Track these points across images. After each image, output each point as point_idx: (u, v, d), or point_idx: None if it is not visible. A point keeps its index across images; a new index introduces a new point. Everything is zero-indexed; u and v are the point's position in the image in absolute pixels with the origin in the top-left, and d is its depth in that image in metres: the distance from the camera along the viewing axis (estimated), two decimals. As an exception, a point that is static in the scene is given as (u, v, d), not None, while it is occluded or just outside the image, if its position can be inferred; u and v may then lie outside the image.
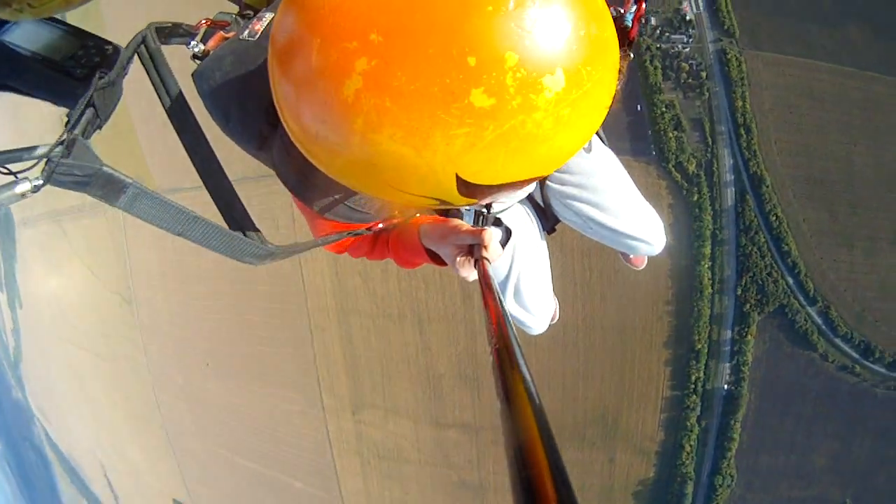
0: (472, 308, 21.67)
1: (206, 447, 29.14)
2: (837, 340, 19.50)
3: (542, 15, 0.58)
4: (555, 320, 3.45)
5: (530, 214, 1.87)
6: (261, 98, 0.94)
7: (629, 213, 1.82)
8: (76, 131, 0.83)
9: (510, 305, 1.86)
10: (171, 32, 1.17)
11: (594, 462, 21.72)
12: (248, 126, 1.01)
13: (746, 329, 20.20)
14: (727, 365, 20.55)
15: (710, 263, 20.27)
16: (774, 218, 19.51)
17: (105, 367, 32.82)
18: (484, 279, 0.84)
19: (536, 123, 0.61)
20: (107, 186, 0.76)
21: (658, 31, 20.47)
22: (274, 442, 26.97)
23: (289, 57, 0.65)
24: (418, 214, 1.31)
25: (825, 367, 19.58)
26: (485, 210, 1.37)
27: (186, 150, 0.98)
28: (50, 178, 0.74)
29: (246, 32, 1.04)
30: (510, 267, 1.82)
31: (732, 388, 20.53)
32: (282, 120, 0.72)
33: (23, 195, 0.77)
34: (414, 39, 0.56)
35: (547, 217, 1.88)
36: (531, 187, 1.72)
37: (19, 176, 0.78)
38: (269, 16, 1.05)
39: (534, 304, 1.90)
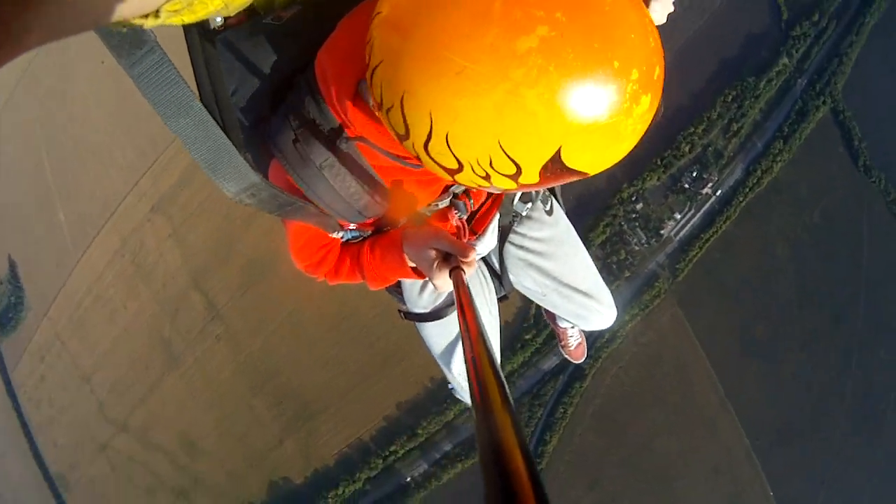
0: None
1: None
2: None
3: (659, 54, 0.76)
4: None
5: (485, 278, 1.84)
6: (271, 80, 1.04)
7: (587, 279, 1.83)
8: None
9: (452, 374, 1.85)
10: None
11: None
12: (253, 100, 1.06)
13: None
14: None
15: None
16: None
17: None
18: (460, 289, 0.86)
19: (626, 127, 0.75)
20: (128, 36, 0.66)
21: (636, 216, 21.37)
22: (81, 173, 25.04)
23: None
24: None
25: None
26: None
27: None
28: None
29: (270, 17, 1.07)
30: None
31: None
32: (406, 47, 0.75)
33: None
34: (589, 31, 0.68)
35: (502, 284, 1.86)
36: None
37: None
38: (295, 8, 1.10)
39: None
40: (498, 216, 1.61)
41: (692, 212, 22.72)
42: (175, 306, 22.09)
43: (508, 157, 0.75)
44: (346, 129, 1.01)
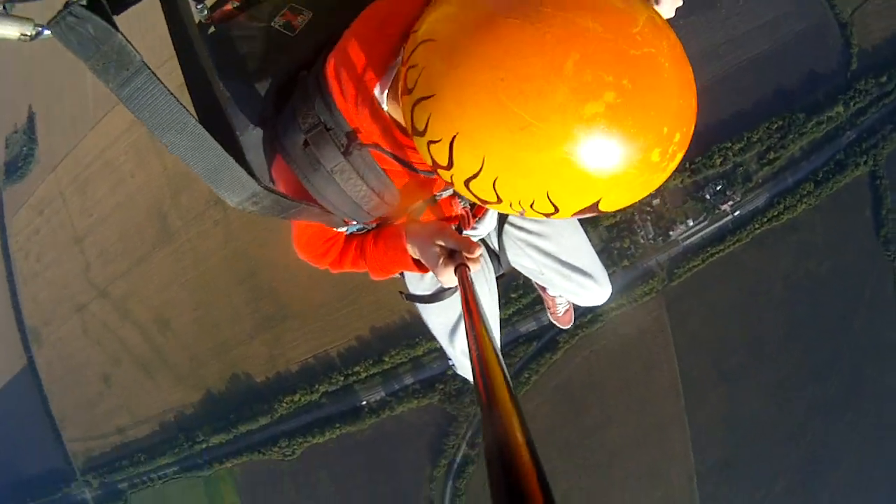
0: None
1: None
2: None
3: (695, 113, 0.81)
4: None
5: (485, 257, 1.85)
6: (277, 79, 1.07)
7: (584, 257, 1.86)
8: None
9: (455, 352, 1.85)
10: None
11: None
12: (256, 100, 1.08)
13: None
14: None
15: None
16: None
17: None
18: (465, 285, 0.86)
19: (659, 179, 0.80)
20: (113, 58, 0.65)
21: (650, 210, 21.22)
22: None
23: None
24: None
25: None
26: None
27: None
28: (59, 23, 0.64)
29: (281, 22, 1.09)
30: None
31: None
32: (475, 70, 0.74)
33: (21, 36, 0.71)
34: (649, 100, 0.72)
35: (500, 262, 1.88)
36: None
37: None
38: (307, 13, 1.11)
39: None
40: None
41: (705, 223, 22.52)
42: (181, 185, 22.23)
43: (551, 202, 0.78)
44: (358, 135, 1.00)
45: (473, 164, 0.77)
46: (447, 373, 20.26)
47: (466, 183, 0.81)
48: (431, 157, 0.84)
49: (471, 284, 0.87)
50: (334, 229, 1.21)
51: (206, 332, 22.23)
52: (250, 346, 21.66)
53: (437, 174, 0.87)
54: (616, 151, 0.72)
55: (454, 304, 1.74)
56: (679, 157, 0.79)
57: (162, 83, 0.67)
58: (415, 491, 21.29)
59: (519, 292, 19.42)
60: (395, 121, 0.99)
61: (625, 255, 20.95)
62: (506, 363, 0.50)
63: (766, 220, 22.48)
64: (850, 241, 23.47)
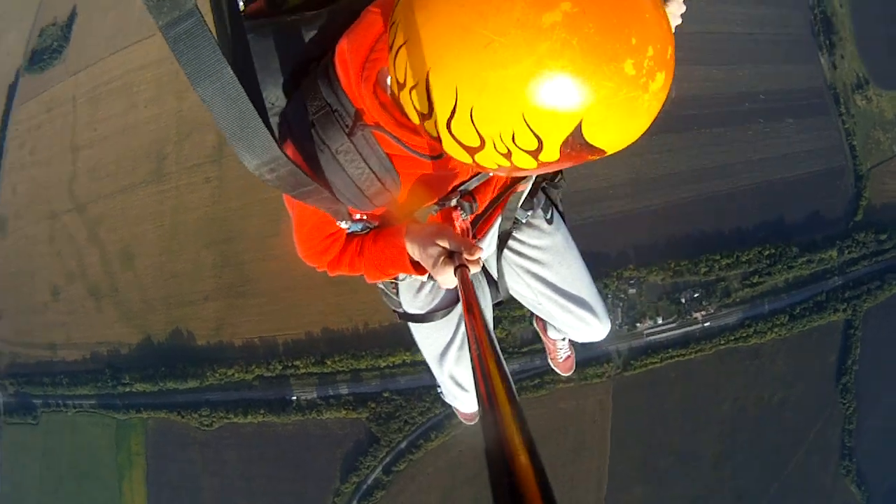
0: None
1: None
2: None
3: (671, 37, 0.79)
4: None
5: (483, 284, 1.84)
6: (291, 70, 1.09)
7: (583, 289, 1.81)
8: None
9: (444, 376, 1.81)
10: None
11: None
12: (270, 89, 1.10)
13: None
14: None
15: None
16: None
17: None
18: (465, 287, 0.86)
19: (643, 103, 0.77)
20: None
21: (624, 297, 21.46)
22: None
23: None
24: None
25: None
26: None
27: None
28: None
29: (300, 17, 1.12)
30: (455, 331, 1.74)
31: None
32: (436, 22, 0.77)
33: None
34: (609, 9, 0.72)
35: (499, 289, 1.86)
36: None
37: None
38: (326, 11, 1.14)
39: (470, 379, 1.80)
40: (499, 221, 1.63)
41: (674, 325, 22.82)
42: (188, 131, 22.22)
43: (531, 130, 0.77)
44: (363, 117, 1.01)
45: (449, 99, 0.78)
46: (383, 394, 20.23)
47: (449, 126, 0.82)
48: (416, 110, 0.85)
49: (471, 285, 0.86)
50: (337, 223, 1.19)
51: (164, 280, 22.02)
52: (202, 307, 21.46)
53: (425, 130, 0.87)
54: (581, 62, 0.71)
55: (446, 325, 1.72)
56: (660, 77, 0.77)
57: (210, 31, 0.69)
58: (318, 499, 20.99)
59: (505, 334, 19.53)
60: (396, 102, 0.97)
61: (587, 333, 21.15)
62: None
63: (732, 338, 22.71)
64: (808, 380, 23.75)
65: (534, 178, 1.65)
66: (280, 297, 20.52)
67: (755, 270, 23.09)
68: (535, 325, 2.55)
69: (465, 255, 1.04)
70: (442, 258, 1.07)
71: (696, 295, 22.97)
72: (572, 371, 2.81)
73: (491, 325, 0.73)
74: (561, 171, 1.71)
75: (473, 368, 0.52)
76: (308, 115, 1.02)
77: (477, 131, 0.80)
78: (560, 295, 1.78)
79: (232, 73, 0.72)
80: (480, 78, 0.75)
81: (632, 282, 21.84)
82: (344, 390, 20.34)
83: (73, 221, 23.73)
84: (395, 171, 1.09)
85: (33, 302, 25.10)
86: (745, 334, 22.95)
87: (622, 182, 22.11)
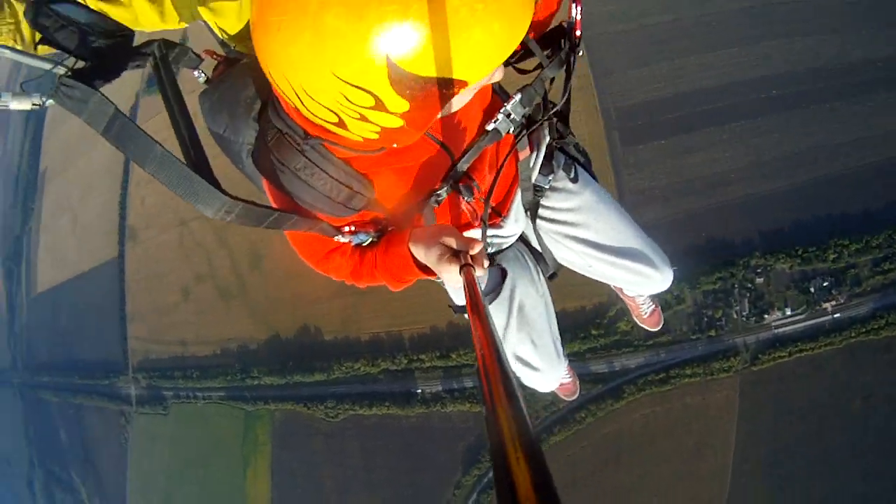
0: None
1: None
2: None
3: None
4: (572, 395, 3.01)
5: (528, 259, 1.79)
6: (257, 111, 1.13)
7: (629, 240, 1.70)
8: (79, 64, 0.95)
9: (510, 359, 1.76)
10: (178, 55, 1.25)
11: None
12: (237, 131, 1.14)
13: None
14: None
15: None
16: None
17: None
18: (470, 286, 0.85)
19: (454, 9, 0.72)
20: (96, 111, 0.83)
21: (751, 287, 20.41)
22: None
23: None
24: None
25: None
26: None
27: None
28: (56, 93, 0.84)
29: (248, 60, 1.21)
30: (508, 312, 1.69)
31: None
32: (251, 21, 0.85)
33: (33, 105, 0.99)
34: None
35: (546, 262, 1.79)
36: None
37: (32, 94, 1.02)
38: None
39: (537, 357, 1.76)
40: (520, 194, 1.57)
41: (803, 316, 21.43)
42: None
43: (355, 86, 0.78)
44: (308, 132, 1.04)
45: (290, 90, 0.84)
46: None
47: (311, 114, 0.87)
48: (296, 111, 0.92)
49: (476, 285, 0.87)
50: (333, 238, 1.24)
51: (292, 280, 23.21)
52: (329, 304, 22.46)
53: (303, 118, 0.94)
54: (346, 5, 0.74)
55: (498, 309, 1.69)
56: None
57: (134, 123, 0.84)
58: (438, 490, 21.40)
59: (600, 331, 19.20)
60: None
61: (714, 325, 20.29)
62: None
63: (864, 330, 21.13)
64: (950, 379, 21.69)
65: (544, 140, 1.56)
66: (405, 292, 20.92)
67: (887, 256, 21.32)
68: (612, 287, 2.38)
69: (469, 253, 1.04)
70: (445, 258, 1.07)
71: (825, 284, 21.47)
72: (660, 325, 2.71)
73: (494, 325, 0.63)
74: (561, 122, 1.58)
75: (477, 369, 0.52)
76: (266, 144, 1.06)
77: (323, 107, 0.83)
78: (606, 252, 1.67)
79: (162, 149, 0.84)
80: (288, 57, 0.79)
81: (758, 270, 20.75)
82: (468, 384, 20.66)
83: (202, 228, 25.61)
84: (357, 173, 1.10)
85: (165, 302, 27.37)
86: (876, 326, 21.26)
87: (743, 165, 21.07)
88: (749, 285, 20.63)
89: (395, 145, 0.93)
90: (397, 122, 0.83)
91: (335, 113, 0.84)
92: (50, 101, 0.98)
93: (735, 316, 20.51)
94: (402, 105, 0.80)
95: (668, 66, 20.78)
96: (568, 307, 18.56)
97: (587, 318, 19.34)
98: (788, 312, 21.19)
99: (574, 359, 20.06)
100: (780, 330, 21.00)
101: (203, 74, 1.26)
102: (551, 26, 1.25)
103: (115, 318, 31.35)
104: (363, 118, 0.83)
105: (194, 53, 1.26)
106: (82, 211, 30.62)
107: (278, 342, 23.83)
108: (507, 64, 1.24)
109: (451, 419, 21.00)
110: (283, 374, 23.54)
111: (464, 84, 0.79)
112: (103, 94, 0.84)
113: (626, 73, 20.92)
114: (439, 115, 0.90)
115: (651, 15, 21.04)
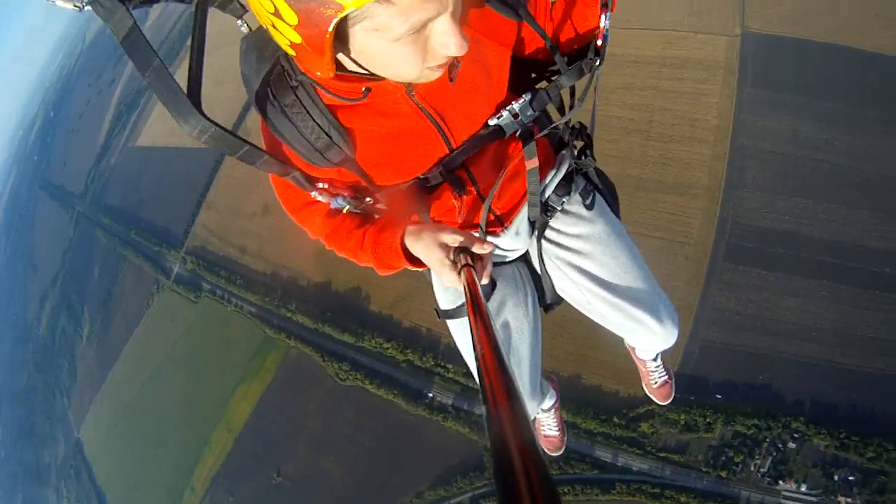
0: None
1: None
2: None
3: None
4: (557, 451, 2.64)
5: (525, 280, 1.68)
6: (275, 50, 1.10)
7: (636, 284, 1.57)
8: None
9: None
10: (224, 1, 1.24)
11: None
12: (259, 70, 1.11)
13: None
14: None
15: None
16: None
17: None
18: (470, 287, 0.85)
19: None
20: (121, 23, 0.90)
21: (780, 448, 19.93)
22: None
23: None
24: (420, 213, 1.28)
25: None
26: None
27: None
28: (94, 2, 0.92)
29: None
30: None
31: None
32: None
33: (74, 6, 0.96)
34: None
35: (545, 291, 1.67)
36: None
37: None
38: None
39: (519, 380, 1.62)
40: (527, 209, 1.50)
41: (815, 500, 20.73)
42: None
43: (292, 24, 0.79)
44: (302, 71, 1.04)
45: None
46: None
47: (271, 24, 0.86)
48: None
49: (476, 284, 0.86)
50: (309, 193, 1.19)
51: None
52: (390, 279, 23.05)
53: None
54: None
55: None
56: None
57: (144, 36, 0.89)
58: (400, 489, 21.68)
59: (622, 421, 19.23)
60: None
61: (728, 467, 19.95)
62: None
63: None
64: None
65: (567, 159, 1.53)
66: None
67: (921, 480, 20.26)
68: (626, 344, 2.18)
69: (475, 250, 1.04)
70: (449, 256, 1.05)
71: (851, 477, 20.66)
72: (670, 399, 2.40)
73: (496, 327, 0.68)
74: (583, 144, 1.54)
75: (478, 370, 0.51)
76: (266, 80, 1.07)
77: (263, 17, 0.85)
78: (607, 290, 1.54)
79: (160, 61, 0.88)
80: None
81: (795, 435, 20.19)
82: (477, 410, 21.01)
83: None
84: (339, 124, 1.09)
85: (244, 209, 28.92)
86: (892, 549, 20.19)
87: (829, 329, 20.40)
88: (780, 445, 20.13)
89: (319, 73, 0.89)
90: (296, 37, 0.82)
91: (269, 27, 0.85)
92: (88, 7, 1.03)
93: (752, 468, 20.07)
94: (292, 16, 0.79)
95: (800, 203, 20.11)
96: (606, 387, 18.80)
97: (616, 404, 19.29)
98: (804, 489, 20.53)
99: (584, 435, 20.16)
100: (788, 502, 20.41)
101: (246, 24, 1.27)
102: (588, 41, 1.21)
103: (193, 199, 33.23)
104: (274, 27, 0.83)
105: (239, 3, 1.25)
106: (211, 93, 32.41)
107: (327, 290, 24.74)
108: (538, 75, 1.28)
109: (446, 434, 21.28)
110: (316, 320, 24.38)
111: (340, 7, 0.73)
112: (128, 9, 0.92)
113: (759, 193, 20.19)
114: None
115: (805, 147, 20.35)
